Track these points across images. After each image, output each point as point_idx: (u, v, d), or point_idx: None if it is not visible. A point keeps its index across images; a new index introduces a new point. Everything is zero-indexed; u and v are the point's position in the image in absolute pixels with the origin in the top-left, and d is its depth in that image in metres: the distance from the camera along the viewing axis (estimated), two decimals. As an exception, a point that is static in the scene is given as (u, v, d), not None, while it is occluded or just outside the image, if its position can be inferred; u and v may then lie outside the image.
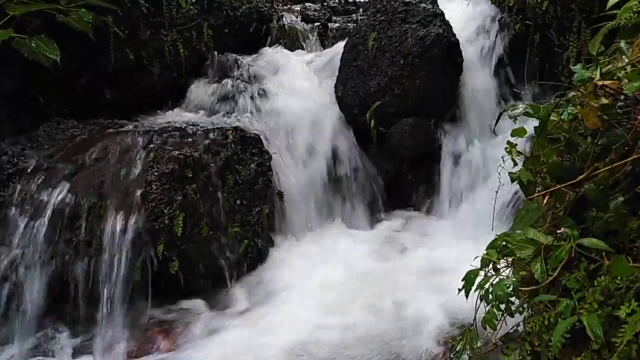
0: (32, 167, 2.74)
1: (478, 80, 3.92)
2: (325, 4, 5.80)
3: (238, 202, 3.09)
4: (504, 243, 1.60)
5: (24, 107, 3.13)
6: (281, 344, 2.40)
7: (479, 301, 1.64)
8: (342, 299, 2.74)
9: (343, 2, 5.92)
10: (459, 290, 1.65)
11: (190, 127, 3.25)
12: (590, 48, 1.61)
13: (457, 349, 1.76)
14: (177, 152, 2.86)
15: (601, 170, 1.42)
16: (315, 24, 5.18)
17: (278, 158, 3.48)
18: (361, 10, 5.72)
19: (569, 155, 1.62)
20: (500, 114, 1.78)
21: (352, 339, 2.42)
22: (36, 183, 2.68)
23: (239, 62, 4.24)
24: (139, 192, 2.68)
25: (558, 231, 1.53)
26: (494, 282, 1.56)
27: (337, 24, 5.15)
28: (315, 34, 5.04)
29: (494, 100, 3.89)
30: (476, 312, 1.70)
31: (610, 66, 1.54)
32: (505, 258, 1.65)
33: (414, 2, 3.87)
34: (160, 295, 2.75)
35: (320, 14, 5.45)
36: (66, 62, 2.84)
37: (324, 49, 4.80)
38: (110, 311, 2.53)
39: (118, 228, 2.58)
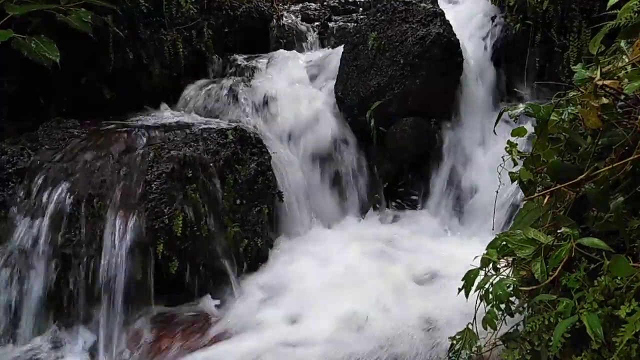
0: (32, 167, 2.73)
1: (478, 79, 3.92)
2: (325, 3, 5.80)
3: (238, 201, 3.09)
4: (504, 243, 1.60)
5: (24, 107, 3.13)
6: (277, 348, 2.39)
7: (478, 301, 1.65)
8: (340, 302, 2.73)
9: (343, 1, 5.91)
10: (459, 290, 1.66)
11: (190, 126, 3.25)
12: (591, 48, 1.61)
13: (457, 348, 1.76)
14: (177, 152, 2.86)
15: (601, 170, 1.42)
16: (315, 23, 5.19)
17: (278, 158, 3.48)
18: (361, 9, 5.73)
19: (569, 155, 1.62)
20: (501, 114, 1.78)
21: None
22: (36, 183, 2.67)
23: (239, 61, 4.24)
24: (139, 192, 2.67)
25: (558, 231, 1.53)
26: (494, 282, 1.56)
27: (337, 24, 5.15)
28: (315, 33, 5.04)
29: (494, 100, 3.90)
30: (476, 312, 1.70)
31: (610, 66, 1.54)
32: (505, 258, 1.65)
33: (414, 1, 3.87)
34: (160, 295, 2.75)
35: (320, 14, 5.45)
36: (66, 62, 2.84)
37: (324, 49, 4.80)
38: (111, 311, 2.53)
39: (118, 228, 2.58)
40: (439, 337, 2.33)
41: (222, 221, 2.96)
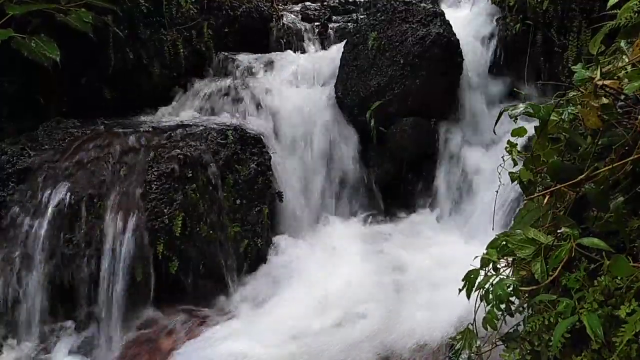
0: (32, 167, 2.73)
1: (478, 79, 3.92)
2: (325, 3, 5.79)
3: (238, 201, 3.09)
4: (504, 243, 1.59)
5: (24, 107, 3.13)
6: (273, 351, 2.39)
7: (478, 300, 1.64)
8: (337, 305, 2.73)
9: (343, 1, 5.91)
10: (460, 289, 1.65)
11: (190, 126, 3.25)
12: (591, 48, 1.61)
13: (457, 348, 1.76)
14: (177, 152, 2.86)
15: (601, 170, 1.42)
16: (315, 23, 5.18)
17: (278, 158, 3.48)
18: (361, 9, 5.72)
19: (569, 155, 1.62)
20: (501, 114, 1.78)
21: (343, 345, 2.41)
22: (36, 183, 2.68)
23: (239, 61, 4.23)
24: (139, 192, 2.68)
25: (558, 231, 1.53)
26: (494, 282, 1.56)
27: (337, 24, 5.15)
28: (315, 33, 5.03)
29: (494, 100, 3.89)
30: (476, 312, 1.70)
31: (610, 66, 1.54)
32: (505, 258, 1.65)
33: (414, 1, 3.87)
34: (159, 294, 2.75)
35: (320, 14, 5.45)
36: (66, 62, 2.84)
37: (324, 49, 4.80)
38: (110, 311, 2.53)
39: (118, 228, 2.58)
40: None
41: (222, 221, 2.96)
